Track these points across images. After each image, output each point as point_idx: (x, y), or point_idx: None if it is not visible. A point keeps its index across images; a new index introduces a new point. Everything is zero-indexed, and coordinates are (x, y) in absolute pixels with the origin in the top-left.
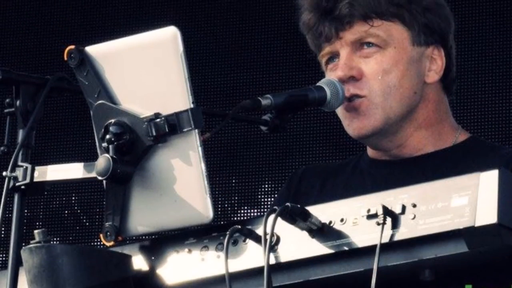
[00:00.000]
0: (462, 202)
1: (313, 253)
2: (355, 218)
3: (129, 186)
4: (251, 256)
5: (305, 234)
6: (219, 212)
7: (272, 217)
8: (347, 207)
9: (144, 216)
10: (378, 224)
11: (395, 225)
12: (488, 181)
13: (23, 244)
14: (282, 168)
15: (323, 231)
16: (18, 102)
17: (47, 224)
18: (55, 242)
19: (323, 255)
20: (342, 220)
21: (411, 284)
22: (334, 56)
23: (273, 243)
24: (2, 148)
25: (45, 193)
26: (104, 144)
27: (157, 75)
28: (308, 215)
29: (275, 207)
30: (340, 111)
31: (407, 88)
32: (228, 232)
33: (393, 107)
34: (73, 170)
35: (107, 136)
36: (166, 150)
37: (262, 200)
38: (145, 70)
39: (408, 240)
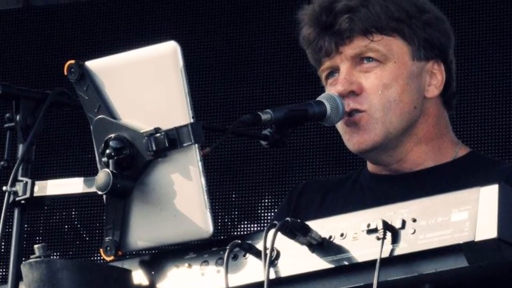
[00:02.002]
0: (462, 217)
1: (313, 268)
2: (355, 233)
3: (129, 201)
4: (251, 271)
5: (305, 248)
6: (219, 227)
7: (272, 231)
8: (347, 221)
9: (144, 230)
10: (378, 238)
11: (395, 240)
12: (488, 196)
13: (23, 258)
14: (282, 183)
15: (323, 246)
16: (18, 117)
17: (47, 238)
18: (55, 257)
19: (323, 269)
20: (342, 234)
21: None
22: (334, 70)
23: (273, 258)
24: (2, 162)
25: (45, 207)
26: (104, 159)
27: (157, 89)
28: (308, 229)
29: (275, 221)
30: (340, 126)
31: (407, 103)
32: (228, 247)
33: (393, 122)
34: (73, 185)
35: (107, 151)
36: (166, 165)
37: (262, 214)
38: (145, 84)
39: (408, 255)
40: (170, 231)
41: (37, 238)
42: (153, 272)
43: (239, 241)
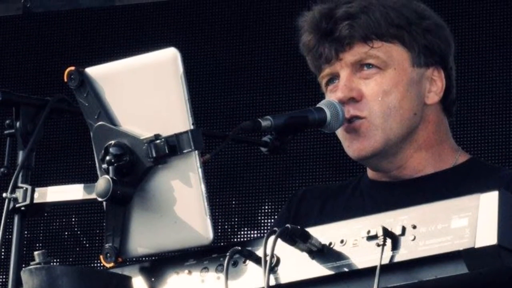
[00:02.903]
0: (462, 223)
1: (313, 275)
2: (355, 239)
3: (129, 207)
4: (251, 277)
5: (305, 255)
6: (219, 234)
7: (272, 238)
8: (347, 228)
9: (144, 237)
10: (378, 245)
11: (395, 246)
12: (488, 202)
13: (23, 265)
14: (282, 190)
15: (323, 253)
16: (18, 124)
17: (47, 245)
18: (55, 264)
19: (323, 276)
20: (342, 241)
21: None
22: (334, 77)
23: (273, 265)
24: (2, 169)
25: (45, 214)
26: (104, 166)
27: (157, 96)
28: (308, 236)
29: (275, 228)
30: (340, 133)
31: (407, 110)
32: (228, 254)
33: (393, 129)
34: (73, 192)
35: (107, 158)
36: (166, 171)
37: (262, 221)
38: (145, 91)
39: (408, 261)
40: (170, 237)
41: (37, 244)
42: (153, 279)
43: (239, 248)
